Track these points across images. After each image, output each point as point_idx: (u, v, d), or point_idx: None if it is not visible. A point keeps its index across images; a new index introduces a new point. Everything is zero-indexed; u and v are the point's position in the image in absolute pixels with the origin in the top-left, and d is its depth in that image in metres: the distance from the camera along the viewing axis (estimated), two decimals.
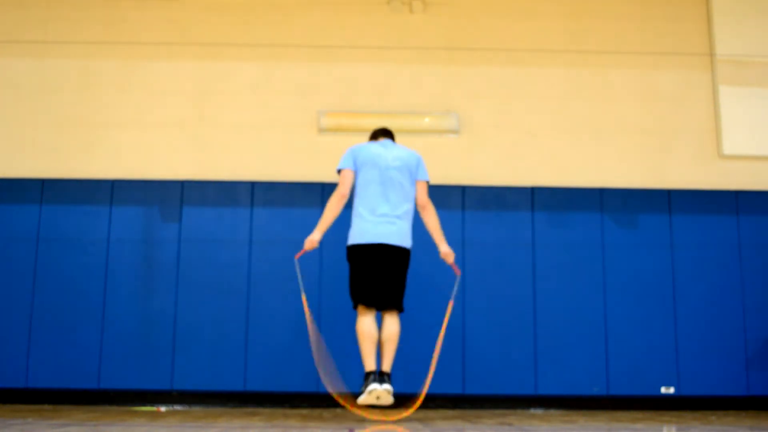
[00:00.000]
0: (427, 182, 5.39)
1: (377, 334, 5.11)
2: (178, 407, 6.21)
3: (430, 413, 5.81)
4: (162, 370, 6.23)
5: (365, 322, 5.09)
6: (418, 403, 5.19)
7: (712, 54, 6.88)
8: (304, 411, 5.88)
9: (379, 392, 4.93)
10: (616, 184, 6.66)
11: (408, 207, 5.24)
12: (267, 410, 5.94)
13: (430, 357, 6.31)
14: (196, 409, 6.08)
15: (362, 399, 4.99)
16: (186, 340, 6.28)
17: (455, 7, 6.95)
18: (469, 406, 6.29)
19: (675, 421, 5.37)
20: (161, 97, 6.73)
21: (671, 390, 6.33)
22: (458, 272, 5.49)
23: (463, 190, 6.59)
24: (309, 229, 5.32)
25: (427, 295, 6.35)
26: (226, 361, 6.25)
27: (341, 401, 5.34)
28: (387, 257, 5.13)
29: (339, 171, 5.30)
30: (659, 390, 6.33)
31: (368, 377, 5.00)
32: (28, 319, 6.26)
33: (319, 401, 6.14)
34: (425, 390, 5.22)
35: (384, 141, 5.44)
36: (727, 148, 6.72)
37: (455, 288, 5.51)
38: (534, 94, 6.84)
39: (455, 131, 6.71)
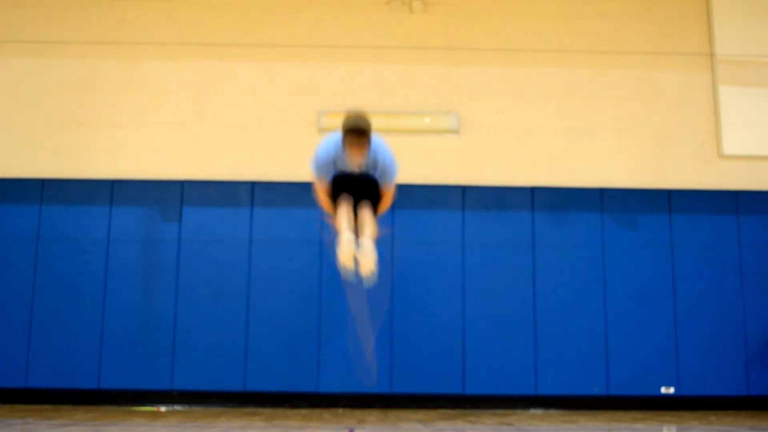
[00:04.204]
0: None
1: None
2: (178, 407, 6.21)
3: (430, 413, 5.81)
4: (162, 370, 6.23)
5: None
6: None
7: (712, 54, 6.88)
8: (304, 411, 5.88)
9: (359, 254, 4.44)
10: (616, 184, 6.65)
11: None
12: (267, 410, 5.94)
13: (429, 358, 6.32)
14: (196, 409, 6.08)
15: (342, 249, 4.45)
16: (186, 340, 6.28)
17: (455, 7, 6.95)
18: (469, 406, 6.29)
19: (675, 421, 5.37)
20: (161, 97, 6.72)
21: (671, 390, 6.32)
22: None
23: (463, 190, 6.58)
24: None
25: (426, 296, 6.36)
26: (226, 361, 6.25)
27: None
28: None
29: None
30: (659, 390, 6.33)
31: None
32: (28, 319, 6.26)
33: (319, 401, 6.14)
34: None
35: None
36: (727, 148, 6.72)
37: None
38: (534, 94, 6.83)
39: (455, 131, 6.71)
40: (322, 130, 6.66)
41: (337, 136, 4.47)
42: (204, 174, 6.58)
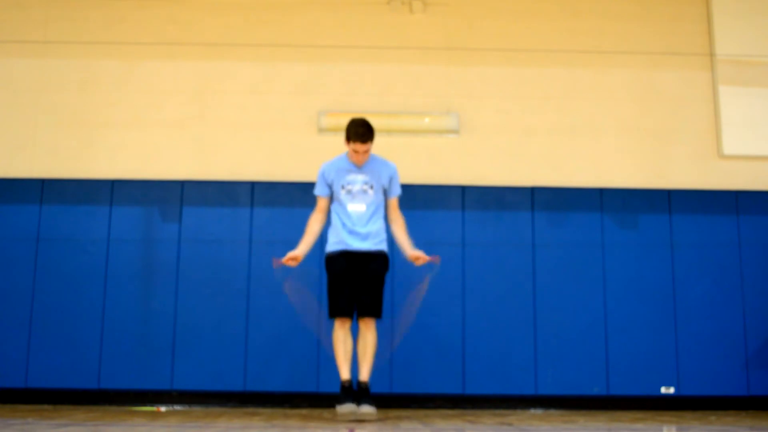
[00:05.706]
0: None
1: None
2: (178, 407, 6.21)
3: (430, 413, 5.81)
4: (162, 370, 6.23)
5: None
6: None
7: (712, 54, 6.88)
8: (304, 411, 5.88)
9: (359, 414, 4.84)
10: (616, 184, 6.66)
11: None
12: (267, 410, 5.94)
13: (429, 358, 6.32)
14: (196, 409, 6.08)
15: (341, 411, 4.87)
16: (186, 340, 6.28)
17: (455, 7, 6.95)
18: (469, 406, 6.29)
19: (675, 421, 5.37)
20: (161, 97, 6.73)
21: (671, 390, 6.33)
22: (437, 260, 5.24)
23: (463, 190, 6.59)
24: None
25: (426, 296, 6.35)
26: (226, 361, 6.25)
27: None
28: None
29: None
30: (659, 390, 6.33)
31: (343, 389, 4.93)
32: (28, 319, 6.26)
33: (319, 401, 6.14)
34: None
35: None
36: (727, 148, 6.72)
37: (434, 271, 5.45)
38: (534, 94, 6.83)
39: (455, 131, 6.71)
40: (322, 130, 6.66)
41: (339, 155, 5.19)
42: (204, 174, 6.59)
